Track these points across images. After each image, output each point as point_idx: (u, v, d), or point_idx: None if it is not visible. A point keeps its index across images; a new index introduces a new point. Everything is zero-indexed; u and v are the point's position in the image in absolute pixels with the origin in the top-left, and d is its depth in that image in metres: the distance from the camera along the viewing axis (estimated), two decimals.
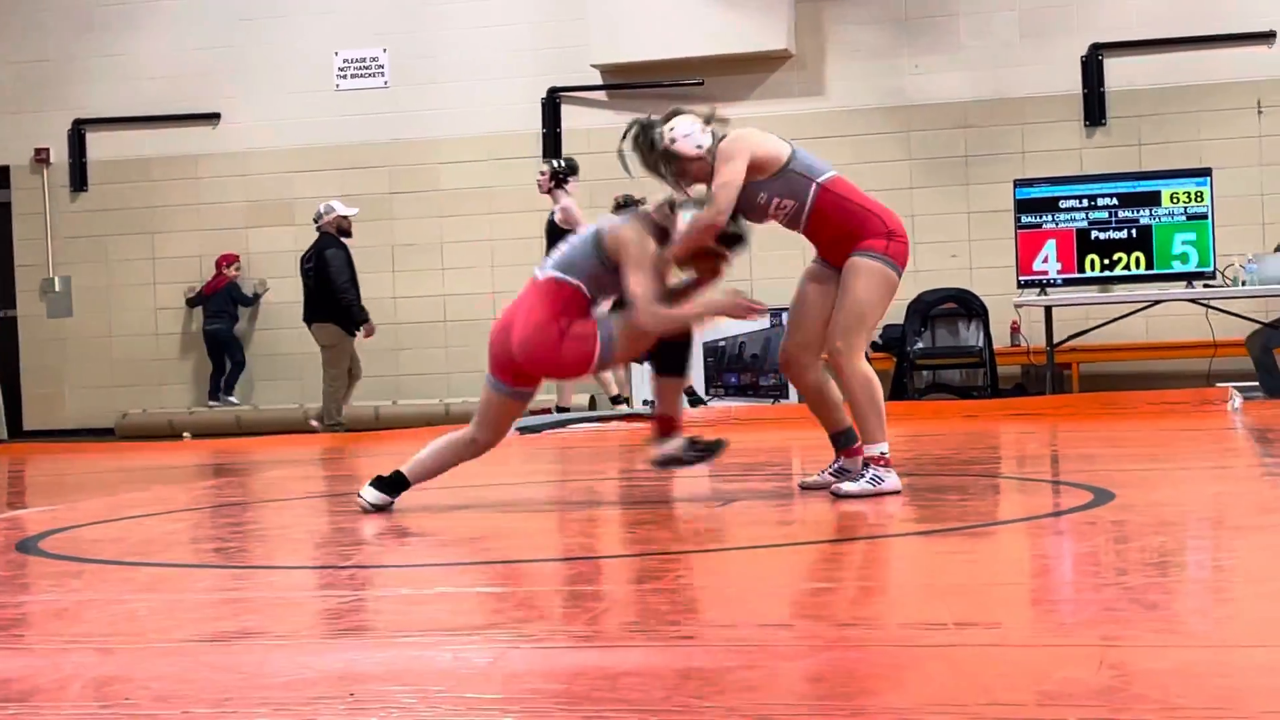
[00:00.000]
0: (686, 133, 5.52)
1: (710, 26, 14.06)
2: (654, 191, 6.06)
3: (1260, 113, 13.47)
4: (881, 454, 5.47)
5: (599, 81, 14.64)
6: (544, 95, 14.73)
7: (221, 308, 15.10)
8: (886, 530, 4.79)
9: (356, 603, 3.90)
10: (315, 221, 12.98)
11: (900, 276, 5.56)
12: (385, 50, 15.12)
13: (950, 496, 5.78)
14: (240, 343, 15.29)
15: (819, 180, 5.51)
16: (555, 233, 11.54)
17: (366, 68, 15.15)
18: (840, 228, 5.51)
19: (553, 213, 12.12)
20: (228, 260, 15.14)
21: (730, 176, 5.40)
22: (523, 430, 11.20)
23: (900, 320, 13.18)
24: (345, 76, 15.18)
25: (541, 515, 5.70)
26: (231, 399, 15.07)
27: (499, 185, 14.82)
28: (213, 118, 15.41)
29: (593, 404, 13.95)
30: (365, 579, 4.40)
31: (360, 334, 12.72)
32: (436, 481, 5.76)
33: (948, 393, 13.09)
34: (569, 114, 14.77)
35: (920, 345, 12.99)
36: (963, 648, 2.94)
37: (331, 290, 12.57)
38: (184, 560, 4.94)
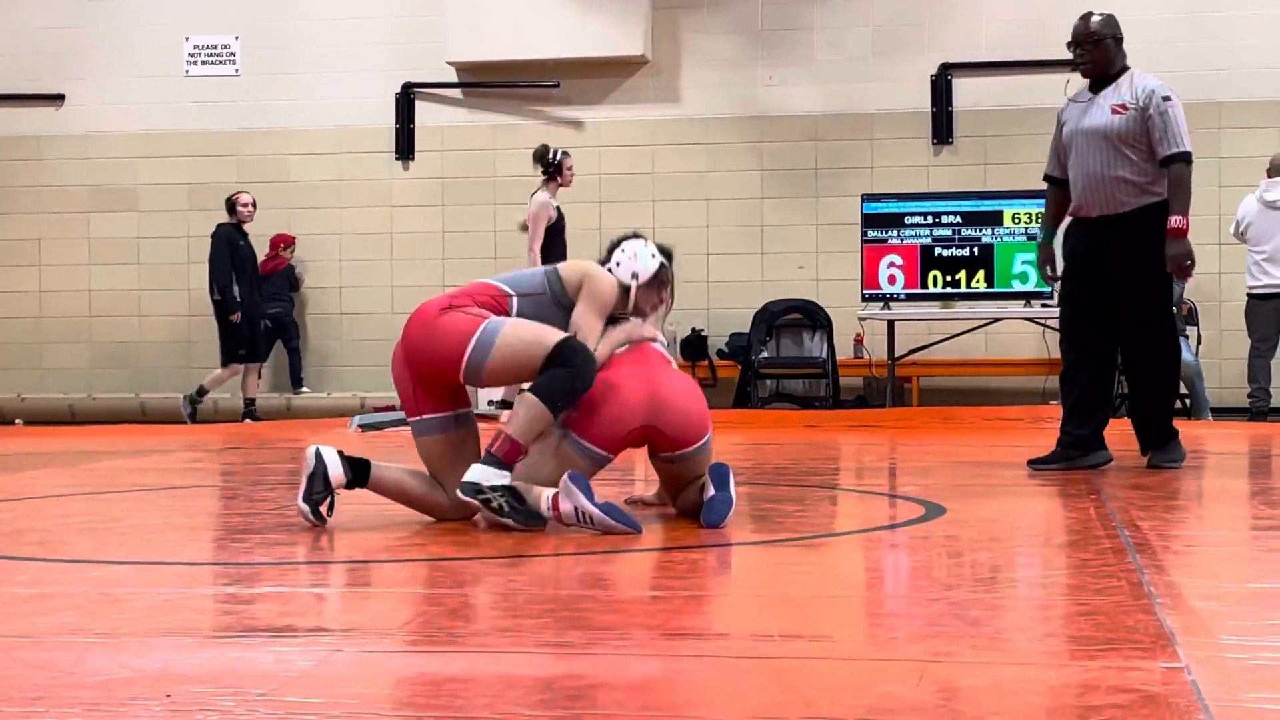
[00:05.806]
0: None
1: (568, 29, 14.06)
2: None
3: None
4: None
5: (454, 79, 14.57)
6: (398, 90, 14.62)
7: (279, 291, 14.13)
8: (720, 540, 4.82)
9: (180, 600, 3.83)
10: None
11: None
12: (237, 38, 14.90)
13: (786, 507, 5.82)
14: (298, 328, 14.45)
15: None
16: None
17: (218, 54, 14.92)
18: None
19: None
20: (285, 241, 14.30)
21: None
22: (364, 427, 11.11)
23: (745, 329, 13.28)
24: (195, 63, 14.93)
25: (381, 513, 5.64)
26: (304, 389, 14.23)
27: (349, 179, 14.70)
28: (57, 99, 15.08)
29: None
30: (192, 576, 4.33)
31: None
32: (278, 478, 5.68)
33: (790, 402, 13.22)
34: (423, 110, 14.67)
35: (765, 354, 13.10)
36: (787, 659, 2.96)
37: None
38: (3, 552, 4.81)
